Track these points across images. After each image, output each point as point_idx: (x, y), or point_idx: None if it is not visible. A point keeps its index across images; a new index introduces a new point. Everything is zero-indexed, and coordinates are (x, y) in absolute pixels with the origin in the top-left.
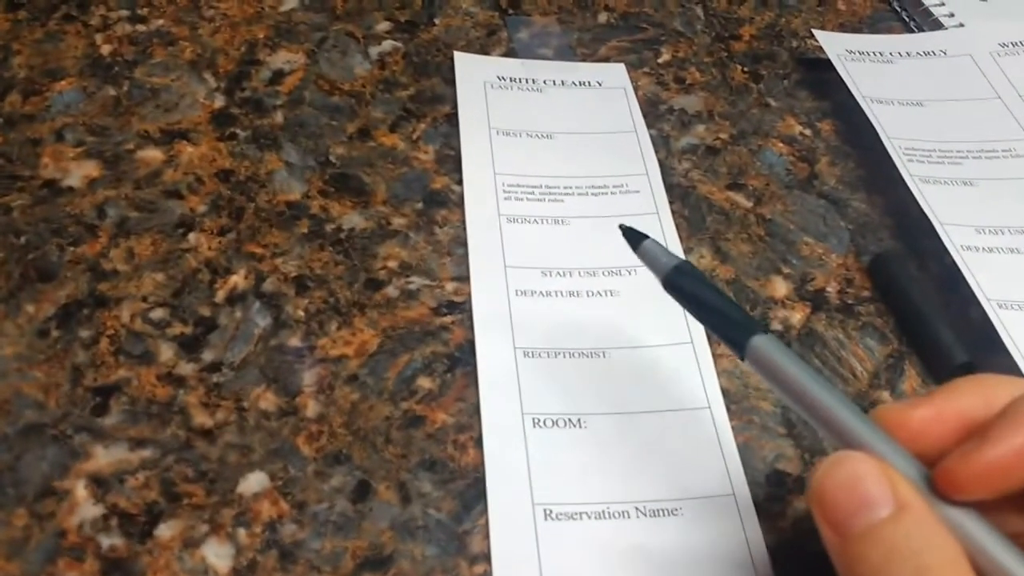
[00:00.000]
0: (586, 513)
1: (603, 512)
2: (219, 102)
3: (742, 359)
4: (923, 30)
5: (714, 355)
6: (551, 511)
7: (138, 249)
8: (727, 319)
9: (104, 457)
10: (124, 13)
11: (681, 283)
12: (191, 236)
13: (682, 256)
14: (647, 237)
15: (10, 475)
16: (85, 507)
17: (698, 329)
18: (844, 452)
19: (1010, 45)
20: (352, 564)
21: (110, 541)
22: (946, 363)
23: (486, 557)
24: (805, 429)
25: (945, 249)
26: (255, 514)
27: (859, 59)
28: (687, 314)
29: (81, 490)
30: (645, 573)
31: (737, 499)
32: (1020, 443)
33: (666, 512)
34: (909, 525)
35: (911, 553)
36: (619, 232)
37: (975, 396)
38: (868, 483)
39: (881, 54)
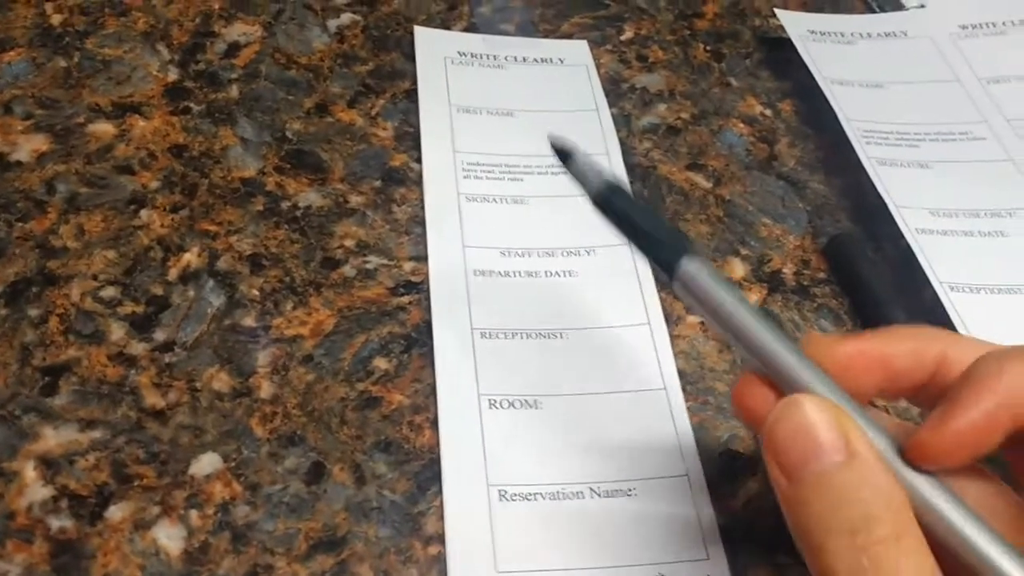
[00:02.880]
0: (541, 494)
1: (558, 493)
2: (173, 75)
3: (670, 281)
4: (884, 10)
5: (671, 336)
6: (506, 492)
7: (88, 226)
8: (657, 240)
9: (54, 438)
10: None
11: (612, 200)
12: (143, 213)
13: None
14: (577, 152)
15: None
16: (34, 488)
17: (656, 310)
18: (797, 396)
19: (970, 27)
20: (306, 546)
21: (60, 523)
22: None
23: (440, 538)
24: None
25: (900, 232)
26: (207, 496)
27: (821, 39)
28: (644, 293)
29: (30, 471)
30: (599, 553)
31: (691, 479)
32: (985, 410)
33: (620, 492)
34: (858, 472)
35: (858, 500)
36: (580, 216)
37: (904, 343)
38: (820, 430)
39: (842, 35)
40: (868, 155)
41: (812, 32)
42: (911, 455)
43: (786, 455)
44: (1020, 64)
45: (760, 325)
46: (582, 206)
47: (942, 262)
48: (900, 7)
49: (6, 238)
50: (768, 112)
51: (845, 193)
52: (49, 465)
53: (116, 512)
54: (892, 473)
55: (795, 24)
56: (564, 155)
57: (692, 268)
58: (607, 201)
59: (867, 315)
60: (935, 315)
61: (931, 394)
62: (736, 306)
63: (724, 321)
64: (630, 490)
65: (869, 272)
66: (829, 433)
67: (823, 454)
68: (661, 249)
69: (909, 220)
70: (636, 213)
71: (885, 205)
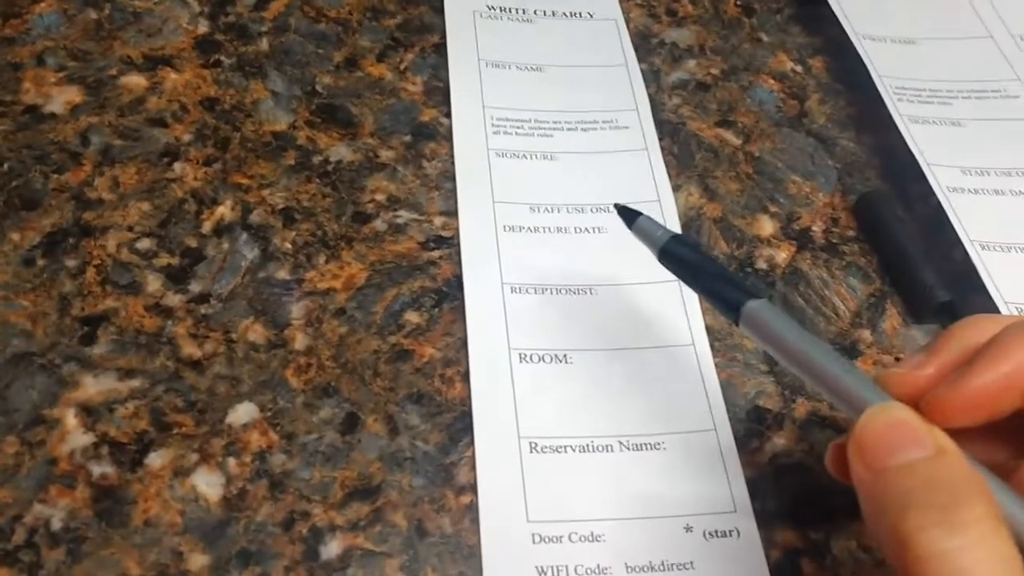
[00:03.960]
0: (571, 446)
1: (587, 445)
2: (203, 27)
3: (737, 324)
4: None
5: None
6: (536, 444)
7: (123, 178)
8: (722, 284)
9: (93, 387)
10: None
11: (676, 253)
12: (176, 165)
13: (677, 230)
14: (641, 214)
15: (0, 403)
16: (75, 435)
17: None
18: (885, 403)
19: None
20: (341, 493)
21: (101, 469)
22: (927, 303)
23: (472, 488)
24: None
25: (931, 190)
26: (244, 444)
27: None
28: None
29: (71, 419)
30: (628, 504)
31: (718, 434)
32: (1004, 372)
33: (649, 446)
34: (947, 465)
35: (949, 485)
36: (609, 173)
37: (970, 341)
38: (912, 425)
39: None
40: (900, 112)
41: None
42: (927, 410)
43: (873, 451)
44: None
45: (834, 363)
46: (611, 162)
47: (973, 220)
48: None
49: (42, 189)
50: (799, 68)
51: (876, 151)
52: (89, 413)
53: (156, 459)
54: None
55: None
56: (629, 217)
57: (755, 308)
58: (672, 252)
59: (895, 272)
60: (965, 273)
61: None
62: (803, 343)
63: (792, 357)
64: (658, 444)
65: (899, 230)
66: (918, 429)
67: (911, 447)
68: (726, 292)
69: (940, 178)
70: (700, 261)
71: (916, 163)
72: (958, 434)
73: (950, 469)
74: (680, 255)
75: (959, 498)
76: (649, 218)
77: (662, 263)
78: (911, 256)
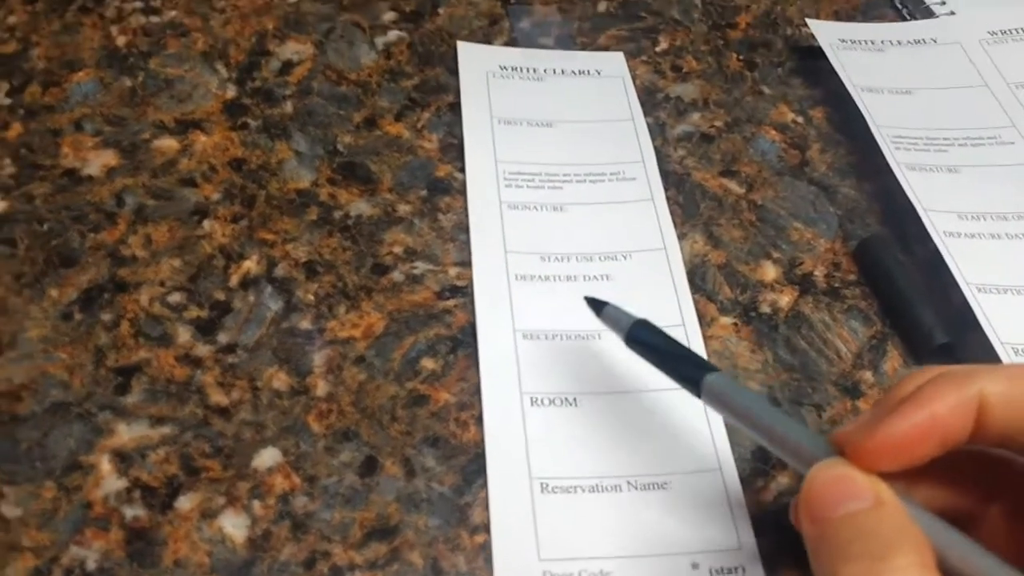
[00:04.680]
0: (580, 487)
1: (596, 486)
2: (231, 92)
3: (699, 396)
4: (915, 17)
5: (704, 336)
6: (547, 484)
7: (155, 236)
8: (683, 362)
9: (127, 433)
10: (138, 4)
11: (640, 337)
12: (206, 223)
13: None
14: (607, 304)
15: (39, 450)
16: (109, 480)
17: (690, 312)
18: (832, 458)
19: (999, 33)
20: (360, 534)
21: (133, 512)
22: (927, 344)
23: (486, 527)
24: (789, 409)
25: (928, 235)
26: (269, 487)
27: (851, 47)
28: (679, 295)
29: (106, 464)
30: (636, 542)
31: (723, 473)
32: (917, 421)
33: (656, 486)
34: (884, 514)
35: (881, 534)
36: (617, 222)
37: (934, 405)
38: (853, 478)
39: (872, 42)
40: (897, 160)
41: (843, 40)
42: (851, 456)
43: (820, 502)
44: None
45: (780, 420)
46: (619, 212)
47: (970, 264)
48: (930, 14)
49: (79, 248)
50: (800, 119)
51: (875, 197)
52: (123, 459)
53: (185, 502)
54: (917, 523)
55: (826, 33)
56: (597, 306)
57: (713, 380)
58: (637, 336)
59: (895, 315)
60: (963, 315)
61: (996, 437)
62: (756, 406)
63: (747, 420)
64: (665, 484)
65: (898, 274)
66: (858, 482)
67: (851, 499)
68: (687, 369)
69: (937, 223)
70: (662, 343)
71: (914, 209)
72: (921, 482)
73: (886, 520)
74: (643, 338)
75: (890, 548)
76: (615, 307)
77: (628, 346)
78: (910, 299)
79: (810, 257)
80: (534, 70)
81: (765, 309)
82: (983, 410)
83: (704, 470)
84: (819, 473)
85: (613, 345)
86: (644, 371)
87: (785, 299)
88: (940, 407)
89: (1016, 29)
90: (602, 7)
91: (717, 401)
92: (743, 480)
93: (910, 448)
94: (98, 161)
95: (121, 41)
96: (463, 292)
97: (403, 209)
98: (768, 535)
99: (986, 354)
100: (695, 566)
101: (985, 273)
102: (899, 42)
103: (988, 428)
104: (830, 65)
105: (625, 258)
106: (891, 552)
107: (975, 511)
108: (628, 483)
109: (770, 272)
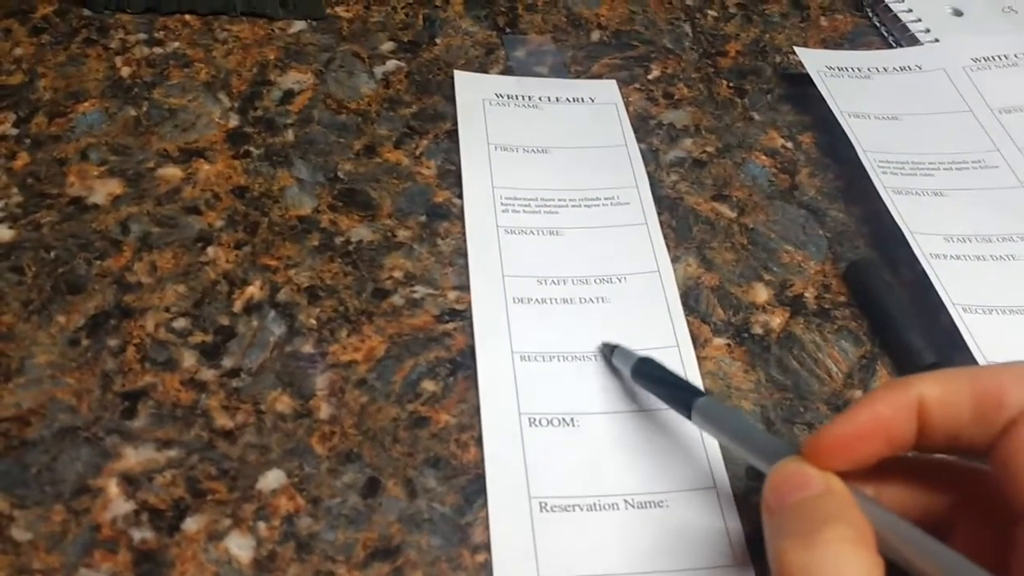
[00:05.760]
0: (579, 505)
1: (595, 504)
2: (233, 121)
3: (689, 418)
4: (901, 45)
5: (698, 357)
6: (546, 504)
7: (160, 262)
8: (678, 389)
9: (134, 457)
10: (142, 36)
11: (642, 370)
12: (209, 250)
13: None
14: (617, 346)
15: (48, 474)
16: (117, 503)
17: (683, 333)
18: (792, 457)
19: (982, 60)
20: (363, 554)
21: (141, 534)
22: (915, 364)
23: (486, 547)
24: (782, 428)
25: (915, 257)
26: (273, 509)
27: (838, 75)
28: (672, 317)
29: (113, 488)
30: (634, 560)
31: (719, 491)
32: (860, 421)
33: (653, 504)
34: (831, 499)
35: (819, 514)
36: (611, 246)
37: (876, 407)
38: (807, 472)
39: (859, 70)
40: (884, 184)
41: (830, 68)
42: (805, 454)
43: (775, 494)
44: None
45: (764, 438)
46: (613, 236)
47: (956, 285)
48: (915, 42)
49: (86, 275)
50: (789, 145)
51: (863, 221)
52: (130, 482)
53: (191, 524)
54: (861, 509)
55: (814, 61)
56: (610, 348)
57: (702, 403)
58: (640, 370)
59: (884, 335)
60: (949, 335)
61: (941, 439)
62: (743, 426)
63: (730, 435)
64: (661, 502)
65: (887, 295)
66: (813, 474)
67: (802, 489)
68: (680, 393)
69: (924, 245)
70: (660, 373)
71: (901, 232)
72: (892, 489)
73: (828, 503)
74: (645, 372)
75: (825, 523)
76: (624, 348)
77: (633, 379)
78: (898, 320)
79: (800, 279)
80: (529, 98)
81: (757, 330)
82: (923, 412)
83: (699, 488)
84: (778, 469)
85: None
86: (640, 393)
87: (777, 320)
88: (882, 409)
89: (999, 56)
90: (595, 36)
91: (705, 421)
92: (737, 498)
93: (856, 447)
94: (104, 190)
95: (125, 72)
96: (462, 316)
97: (403, 234)
98: (761, 552)
99: None
100: None
101: (971, 294)
102: (885, 69)
103: (931, 430)
104: (818, 92)
105: (620, 281)
106: (825, 527)
107: (947, 518)
108: (626, 501)
109: (762, 294)
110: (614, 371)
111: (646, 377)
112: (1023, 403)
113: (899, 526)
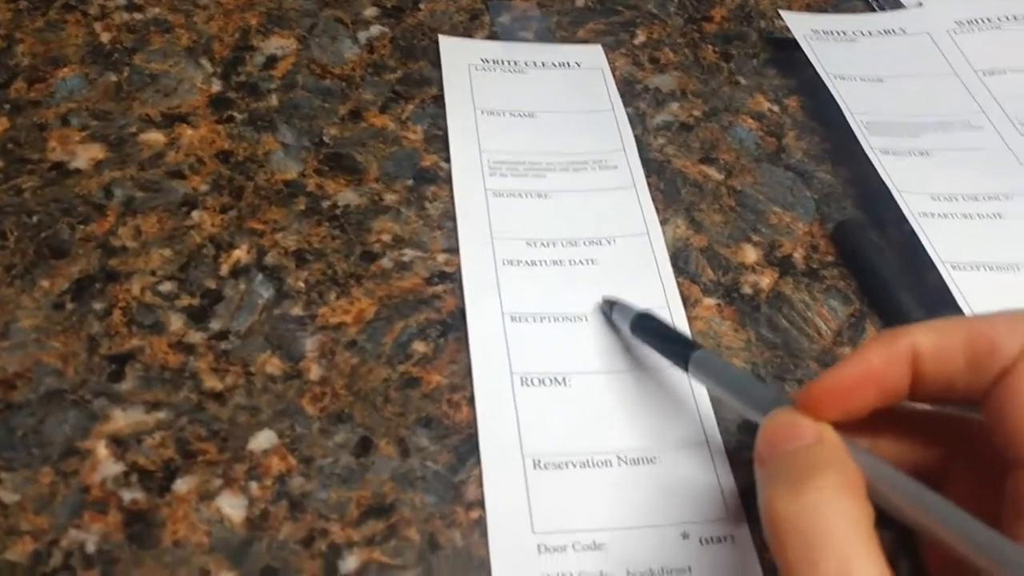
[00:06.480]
0: (571, 462)
1: (587, 461)
2: (216, 87)
3: (686, 370)
4: (884, 9)
5: (689, 318)
6: (539, 461)
7: (145, 227)
8: (675, 343)
9: (122, 419)
10: (121, 2)
11: (641, 324)
12: (195, 214)
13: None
14: (616, 302)
15: (35, 437)
16: (106, 465)
17: (674, 294)
18: (785, 407)
19: (965, 23)
20: (357, 512)
21: (131, 495)
22: (904, 321)
23: (480, 503)
24: (773, 383)
25: (903, 216)
26: (265, 469)
27: (823, 38)
28: (662, 278)
29: (102, 449)
30: (627, 515)
31: (710, 447)
32: (852, 372)
33: (645, 460)
34: (822, 448)
35: (809, 462)
36: (600, 209)
37: (870, 354)
38: (798, 421)
39: (844, 33)
40: (871, 145)
41: (815, 31)
42: (798, 404)
43: (768, 443)
44: (1015, 56)
45: (758, 388)
46: (601, 199)
47: (944, 243)
48: (899, 5)
49: (69, 239)
50: (775, 108)
51: (850, 181)
52: (119, 443)
53: (182, 485)
54: (853, 458)
55: (799, 24)
56: (610, 303)
57: (699, 356)
58: (639, 324)
59: (873, 294)
60: (938, 292)
61: (935, 389)
62: (733, 375)
63: (726, 386)
64: (654, 458)
65: (875, 254)
66: (805, 424)
67: (793, 439)
68: (677, 346)
69: (912, 204)
70: (659, 327)
71: (888, 191)
72: (887, 440)
73: (820, 452)
74: (644, 326)
75: (815, 470)
76: (623, 303)
77: (632, 333)
78: (887, 278)
79: (789, 240)
80: (515, 63)
81: (747, 290)
82: (917, 362)
83: (691, 444)
84: (771, 420)
85: (600, 326)
86: (632, 353)
87: (766, 280)
88: (874, 358)
89: (982, 19)
90: (580, 2)
91: (702, 373)
92: (729, 453)
93: (848, 397)
94: (86, 155)
95: (105, 38)
96: (451, 278)
97: (390, 198)
98: (754, 505)
99: None
100: (685, 536)
101: (959, 251)
102: (869, 32)
103: (925, 379)
104: (803, 56)
105: (609, 243)
106: (815, 474)
107: (941, 469)
108: (618, 458)
109: (751, 255)
110: (613, 327)
111: (644, 331)
112: (1016, 351)
113: (892, 475)
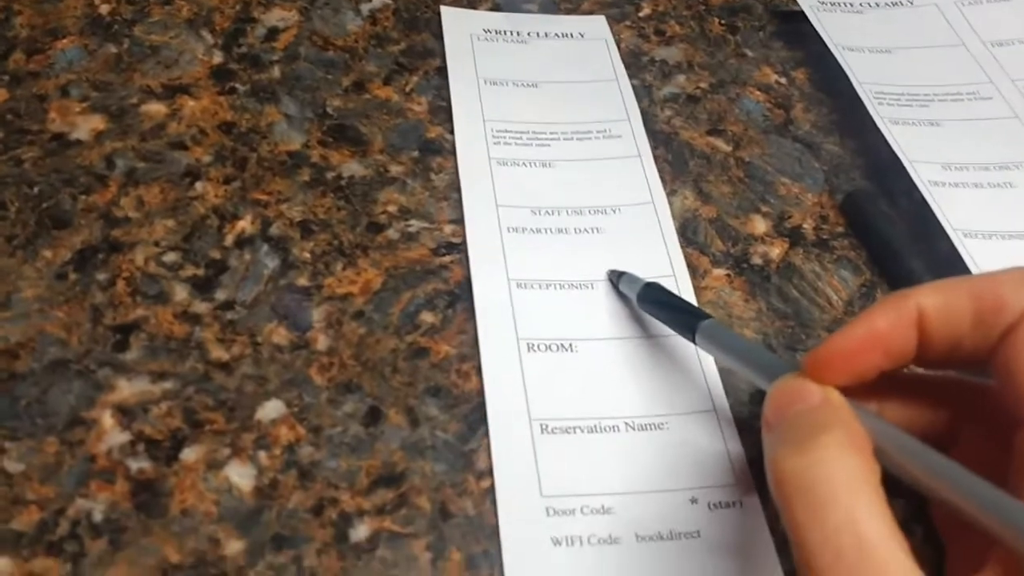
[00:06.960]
0: (579, 427)
1: (595, 426)
2: (217, 58)
3: (693, 341)
4: None
5: (698, 288)
6: (547, 425)
7: (147, 197)
8: (682, 313)
9: (128, 389)
10: None
11: (649, 295)
12: (198, 185)
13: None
14: (625, 273)
15: (39, 407)
16: (113, 434)
17: (680, 264)
18: (792, 373)
19: None
20: (367, 481)
21: (138, 464)
22: None
23: (490, 472)
24: (784, 355)
25: (914, 185)
26: (274, 438)
27: (830, 10)
28: (668, 247)
29: (108, 419)
30: (635, 480)
31: (718, 414)
32: (858, 335)
33: (653, 426)
34: (827, 408)
35: (814, 421)
36: (604, 178)
37: (879, 316)
38: (805, 386)
39: (851, 5)
40: (881, 115)
41: (822, 3)
42: (805, 368)
43: (775, 407)
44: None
45: (767, 357)
46: (606, 168)
47: (955, 211)
48: None
49: (71, 210)
50: (783, 80)
51: (859, 152)
52: (125, 413)
53: (190, 454)
54: (860, 420)
55: None
56: (617, 275)
57: (706, 325)
58: (646, 296)
59: (883, 263)
60: (950, 260)
61: (942, 349)
62: (741, 344)
63: (734, 355)
64: (662, 424)
65: (885, 224)
66: (812, 388)
67: (802, 400)
68: (684, 318)
69: (923, 173)
70: (666, 298)
71: (898, 161)
72: (895, 404)
73: (826, 413)
74: (651, 297)
75: (819, 429)
76: (631, 275)
77: (639, 305)
78: (898, 247)
79: (798, 211)
80: (518, 33)
81: (757, 260)
82: (923, 323)
83: (699, 411)
84: (777, 385)
85: (606, 293)
86: (640, 320)
87: (776, 251)
88: (880, 321)
89: None
90: None
91: (710, 343)
92: (738, 421)
93: (854, 360)
94: (86, 125)
95: (104, 9)
96: (458, 249)
97: (395, 169)
98: (762, 471)
99: None
100: (693, 501)
101: (970, 219)
102: (877, 4)
103: (932, 339)
104: (810, 28)
105: (614, 212)
106: (820, 432)
107: (949, 433)
108: (626, 424)
109: (760, 225)
110: (621, 297)
111: (652, 302)
112: (1022, 307)
113: (899, 438)
